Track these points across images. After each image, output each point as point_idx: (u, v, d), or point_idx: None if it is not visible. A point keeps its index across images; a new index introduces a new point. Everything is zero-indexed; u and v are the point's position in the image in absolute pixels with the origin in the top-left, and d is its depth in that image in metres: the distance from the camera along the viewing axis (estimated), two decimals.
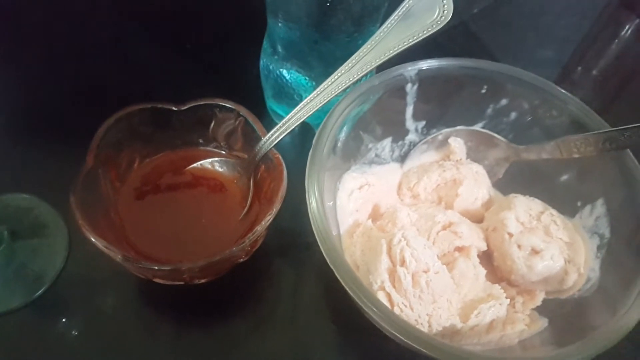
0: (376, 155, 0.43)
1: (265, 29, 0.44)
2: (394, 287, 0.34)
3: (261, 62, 0.46)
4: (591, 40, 0.68)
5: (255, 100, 0.48)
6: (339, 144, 0.37)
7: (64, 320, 0.39)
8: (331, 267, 0.31)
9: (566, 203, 0.40)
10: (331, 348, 0.40)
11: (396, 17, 0.35)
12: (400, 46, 0.35)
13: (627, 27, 0.66)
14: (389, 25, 0.35)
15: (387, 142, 0.42)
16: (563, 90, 0.40)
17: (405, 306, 0.34)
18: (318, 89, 0.36)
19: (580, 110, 0.39)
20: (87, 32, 0.56)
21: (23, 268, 0.40)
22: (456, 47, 0.61)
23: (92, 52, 0.54)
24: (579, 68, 0.65)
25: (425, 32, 0.35)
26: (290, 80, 0.44)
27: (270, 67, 0.44)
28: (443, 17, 0.34)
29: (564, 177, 0.41)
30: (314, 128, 0.49)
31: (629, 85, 0.64)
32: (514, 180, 0.43)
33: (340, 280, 0.30)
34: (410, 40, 0.35)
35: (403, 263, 0.34)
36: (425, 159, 0.44)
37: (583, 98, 0.39)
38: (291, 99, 0.45)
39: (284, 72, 0.44)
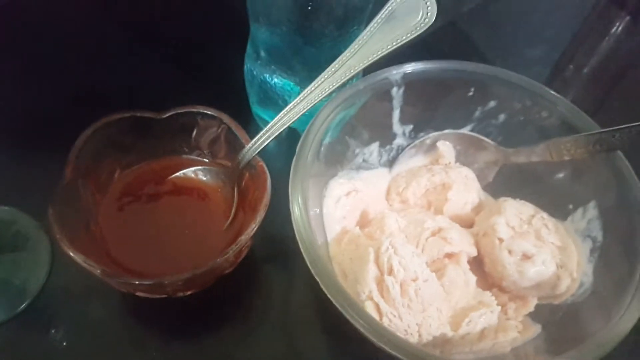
0: (364, 160, 0.42)
1: (249, 33, 0.44)
2: (382, 296, 0.33)
3: (245, 67, 0.45)
4: (582, 39, 0.67)
5: (240, 106, 0.47)
6: (324, 150, 0.36)
7: (48, 333, 0.38)
8: (315, 277, 0.30)
9: (558, 206, 0.39)
10: (322, 357, 0.39)
11: (379, 20, 0.34)
12: (384, 49, 0.34)
13: (617, 24, 0.66)
14: (371, 29, 0.34)
15: (374, 146, 0.42)
16: (552, 91, 0.39)
17: (394, 316, 0.33)
18: (302, 94, 0.36)
19: (570, 112, 0.38)
20: (64, 36, 0.54)
21: (5, 283, 0.39)
22: (445, 48, 0.60)
23: (69, 57, 0.53)
24: (570, 66, 0.64)
25: (409, 34, 0.34)
26: (274, 86, 0.43)
27: (255, 72, 0.44)
28: (427, 19, 0.34)
29: (555, 180, 0.40)
30: (302, 134, 0.48)
31: (620, 83, 0.63)
32: (505, 183, 0.42)
33: (325, 291, 0.29)
34: (395, 44, 0.34)
35: (391, 272, 0.33)
36: (413, 164, 0.43)
37: (574, 97, 0.39)
38: (276, 104, 0.44)
39: (268, 77, 0.43)
